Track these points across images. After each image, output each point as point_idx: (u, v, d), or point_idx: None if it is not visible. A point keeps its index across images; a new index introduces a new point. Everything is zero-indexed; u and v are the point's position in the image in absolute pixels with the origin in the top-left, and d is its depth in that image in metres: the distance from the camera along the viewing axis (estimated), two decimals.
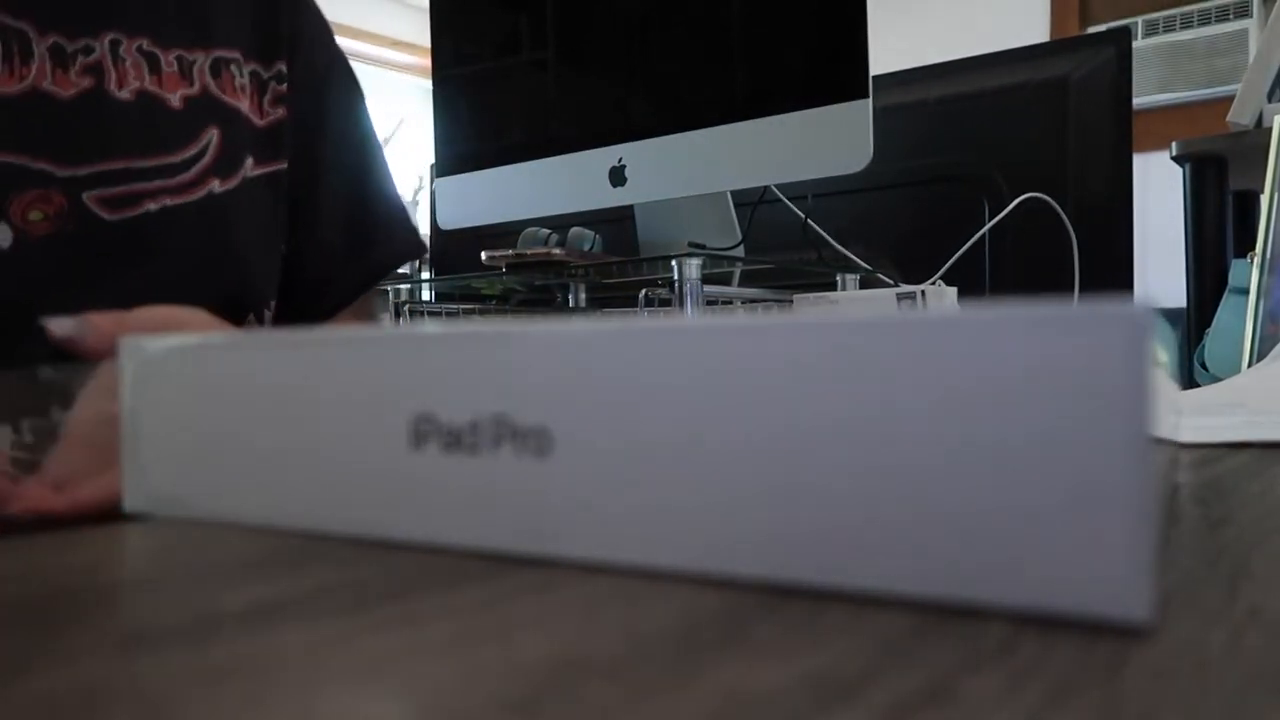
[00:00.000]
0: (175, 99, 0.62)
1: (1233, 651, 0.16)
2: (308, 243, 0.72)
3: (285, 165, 0.69)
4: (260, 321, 0.67)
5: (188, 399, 0.30)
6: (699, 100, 1.04)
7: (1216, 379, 0.98)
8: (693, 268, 0.93)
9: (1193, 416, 0.55)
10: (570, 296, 1.27)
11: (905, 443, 0.19)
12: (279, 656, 0.17)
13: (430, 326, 0.26)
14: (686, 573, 0.21)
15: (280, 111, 0.68)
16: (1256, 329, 0.97)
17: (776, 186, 1.07)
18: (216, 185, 0.63)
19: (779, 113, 0.97)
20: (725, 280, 1.07)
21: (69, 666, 0.16)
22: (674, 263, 0.94)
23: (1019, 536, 0.18)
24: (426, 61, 1.30)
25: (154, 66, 0.62)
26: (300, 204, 0.71)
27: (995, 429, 0.18)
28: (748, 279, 1.10)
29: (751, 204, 1.10)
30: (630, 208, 1.15)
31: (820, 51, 0.96)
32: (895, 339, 0.19)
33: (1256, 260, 0.98)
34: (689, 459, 0.21)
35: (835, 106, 0.94)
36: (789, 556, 0.20)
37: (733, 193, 1.12)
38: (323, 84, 0.72)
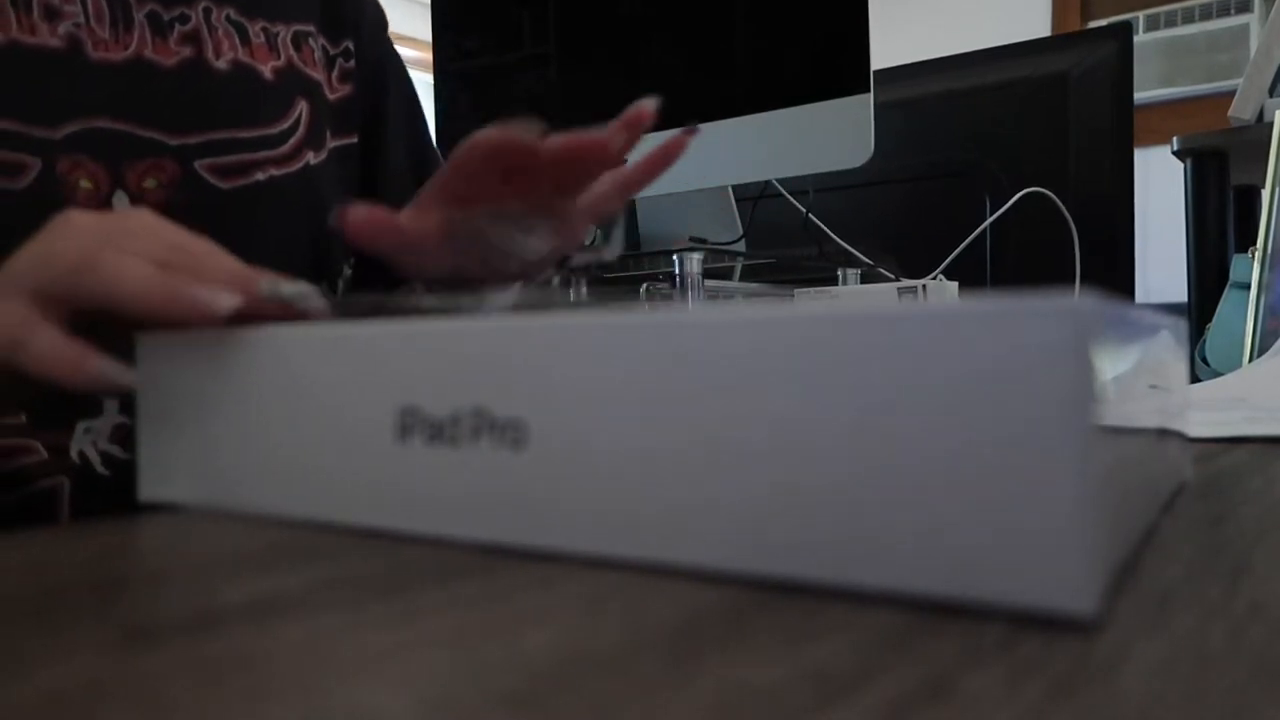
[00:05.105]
0: (267, 70, 0.62)
1: (1234, 646, 0.16)
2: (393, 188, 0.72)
3: (355, 139, 0.69)
4: (334, 290, 0.68)
5: (193, 391, 0.31)
6: (700, 95, 1.03)
7: (1217, 374, 0.98)
8: (694, 262, 0.93)
9: (1194, 411, 0.55)
10: (571, 290, 1.26)
11: (855, 437, 0.19)
12: (281, 651, 0.17)
13: (415, 319, 0.26)
14: (654, 564, 0.21)
15: (347, 88, 0.68)
16: (1257, 324, 0.96)
17: (778, 181, 1.07)
18: (311, 157, 0.64)
19: (780, 107, 0.97)
20: (727, 275, 1.07)
21: (71, 661, 0.16)
22: (675, 257, 0.94)
23: (970, 530, 0.18)
24: (428, 56, 1.30)
25: (244, 37, 0.62)
26: (376, 177, 0.71)
27: (946, 423, 0.18)
28: (749, 274, 1.10)
29: (753, 198, 1.10)
30: (632, 201, 1.15)
31: (822, 46, 0.96)
32: (849, 334, 0.19)
33: (1257, 255, 0.98)
34: (658, 453, 0.22)
35: (836, 101, 0.93)
36: (741, 545, 0.21)
37: (734, 187, 1.12)
38: (387, 62, 0.73)
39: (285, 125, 0.62)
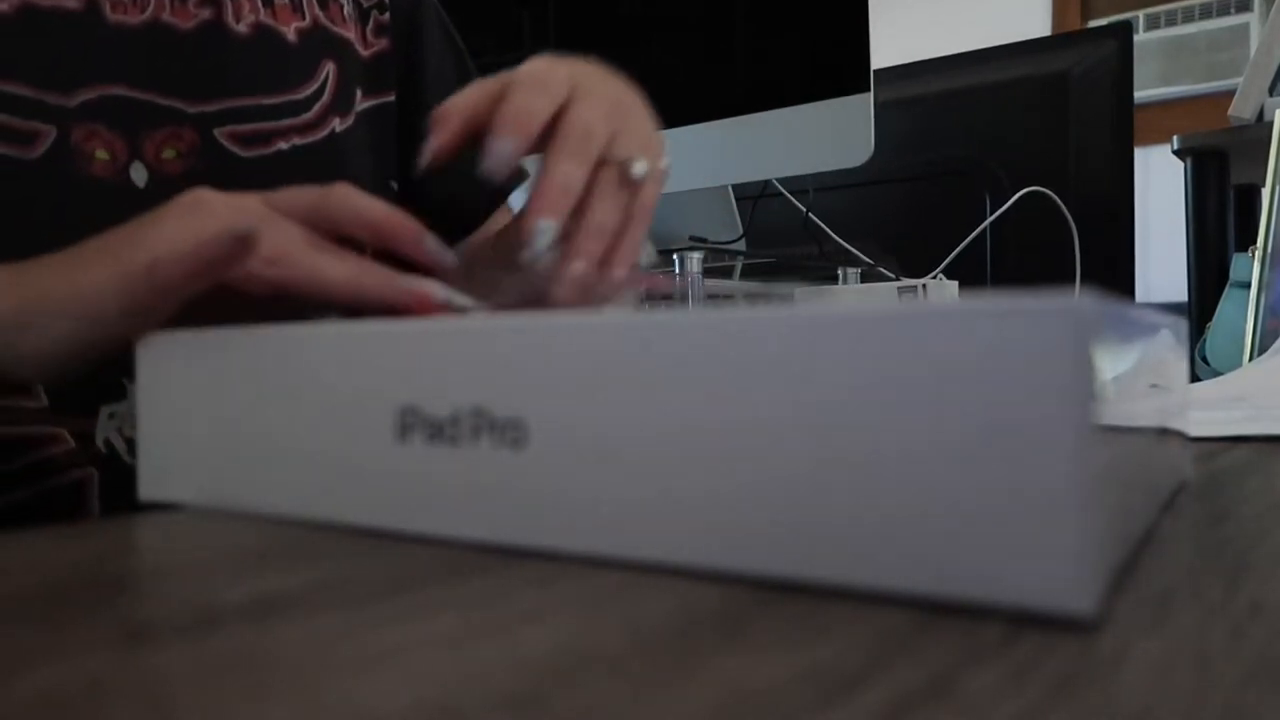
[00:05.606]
0: (290, 32, 0.59)
1: (1233, 646, 0.16)
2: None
3: (393, 98, 0.66)
4: None
5: (193, 391, 0.31)
6: (700, 94, 1.03)
7: (1217, 373, 0.98)
8: (694, 262, 0.93)
9: (1194, 410, 0.55)
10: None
11: (855, 436, 0.19)
12: (281, 651, 0.17)
13: (414, 320, 0.27)
14: (655, 564, 0.21)
15: (382, 42, 0.65)
16: (1257, 323, 0.96)
17: (778, 180, 1.07)
18: (338, 124, 0.61)
19: (780, 106, 0.97)
20: (727, 274, 1.07)
21: (71, 660, 0.16)
22: (675, 257, 0.94)
23: (970, 529, 0.18)
24: None
25: None
26: (417, 125, 0.67)
27: (946, 423, 0.18)
28: (749, 273, 1.10)
29: (753, 198, 1.10)
30: None
31: (822, 45, 0.96)
32: (849, 334, 0.19)
33: (1257, 255, 0.98)
34: (658, 453, 0.22)
35: (836, 100, 0.94)
36: (741, 545, 0.21)
37: (734, 187, 1.12)
38: (422, 5, 0.70)
39: (309, 91, 0.60)
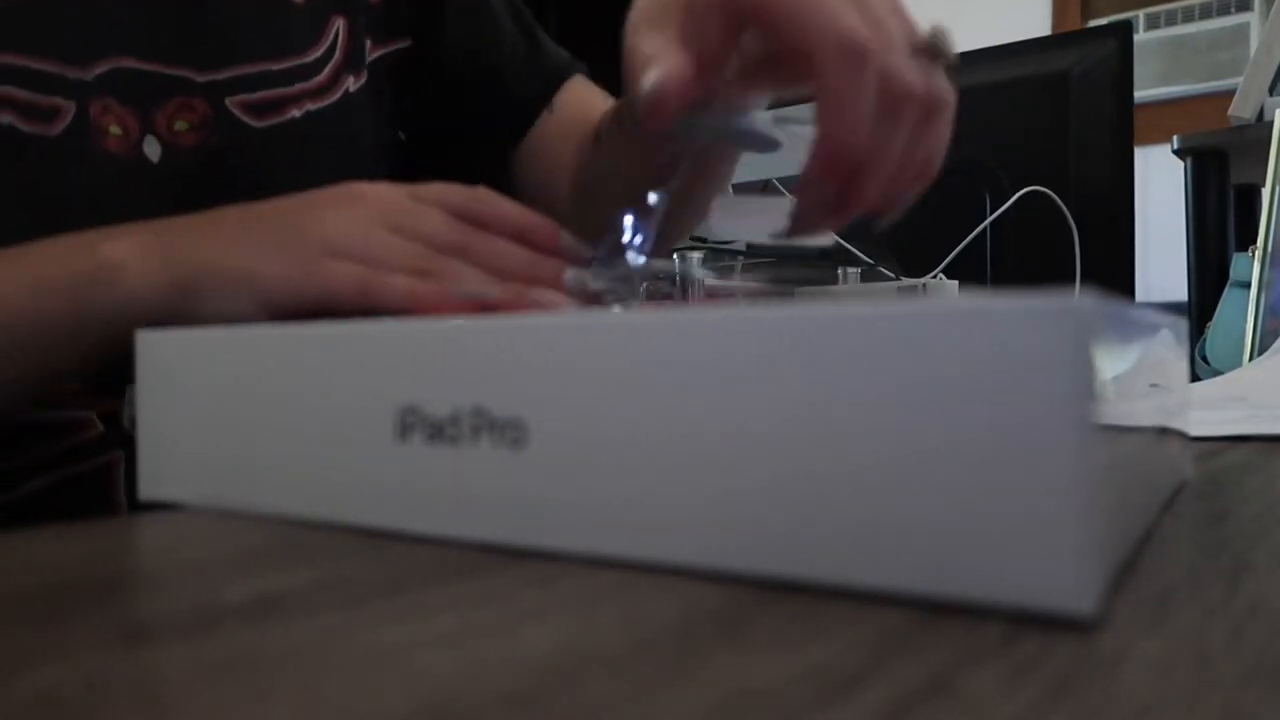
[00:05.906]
0: None
1: (1233, 645, 0.16)
2: (489, 48, 0.67)
3: (407, 44, 0.64)
4: None
5: (193, 390, 0.31)
6: None
7: (1217, 373, 0.98)
8: (694, 261, 0.93)
9: (1194, 410, 0.55)
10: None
11: (854, 435, 0.19)
12: (281, 651, 0.17)
13: (414, 319, 0.27)
14: (655, 564, 0.21)
15: None
16: (1257, 323, 0.96)
17: (778, 180, 1.07)
18: (351, 83, 0.59)
19: (781, 106, 0.97)
20: (727, 274, 1.07)
21: (71, 659, 0.16)
22: (675, 256, 0.94)
23: (969, 529, 0.18)
24: None
25: None
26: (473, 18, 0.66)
27: (945, 422, 0.18)
28: (750, 273, 1.10)
29: None
30: None
31: None
32: (849, 332, 0.19)
33: (1258, 254, 0.98)
34: (658, 453, 0.22)
35: None
36: (741, 544, 0.21)
37: (734, 186, 1.11)
38: None
39: (319, 52, 0.58)
